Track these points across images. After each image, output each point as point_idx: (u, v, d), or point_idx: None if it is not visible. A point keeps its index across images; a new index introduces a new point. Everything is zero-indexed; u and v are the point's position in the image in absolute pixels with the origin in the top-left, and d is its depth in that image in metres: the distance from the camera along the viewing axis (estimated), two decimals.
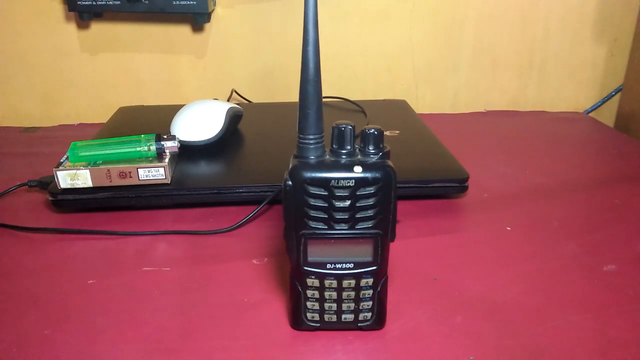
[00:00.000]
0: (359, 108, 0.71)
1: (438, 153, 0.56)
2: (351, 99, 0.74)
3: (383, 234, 0.31)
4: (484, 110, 0.83)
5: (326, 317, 0.34)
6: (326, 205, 0.30)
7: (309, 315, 0.34)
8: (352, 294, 0.33)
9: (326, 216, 0.30)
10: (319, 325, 0.34)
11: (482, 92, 0.83)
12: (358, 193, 0.30)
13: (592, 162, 0.63)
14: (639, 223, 0.48)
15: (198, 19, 0.73)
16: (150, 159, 0.50)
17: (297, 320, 0.34)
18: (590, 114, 0.83)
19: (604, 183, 0.57)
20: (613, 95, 0.83)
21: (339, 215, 0.30)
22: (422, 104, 0.83)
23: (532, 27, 0.79)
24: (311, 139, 0.30)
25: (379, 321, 0.34)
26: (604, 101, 0.83)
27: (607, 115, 0.84)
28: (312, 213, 0.30)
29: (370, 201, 0.30)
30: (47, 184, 0.51)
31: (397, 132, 0.61)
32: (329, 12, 0.77)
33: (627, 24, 0.79)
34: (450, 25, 0.79)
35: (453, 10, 0.78)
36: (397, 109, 0.73)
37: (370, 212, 0.31)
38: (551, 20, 0.79)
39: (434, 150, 0.57)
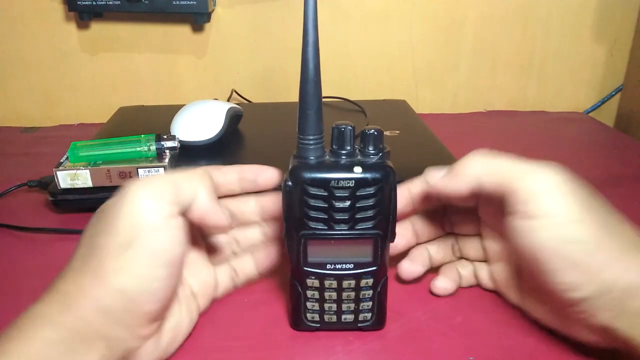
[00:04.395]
0: (359, 108, 0.71)
1: (438, 153, 0.56)
2: (351, 99, 0.74)
3: (383, 235, 0.31)
4: (484, 110, 0.83)
5: (326, 317, 0.34)
6: (326, 205, 0.30)
7: (308, 315, 0.34)
8: (352, 294, 0.33)
9: (326, 217, 0.30)
10: (319, 325, 0.34)
11: (482, 92, 0.83)
12: (358, 193, 0.30)
13: (592, 162, 0.63)
14: (639, 223, 0.48)
15: (198, 19, 0.73)
16: (150, 159, 0.50)
17: (297, 321, 0.34)
18: (590, 114, 0.83)
19: (604, 183, 0.56)
20: (613, 95, 0.83)
21: (338, 216, 0.30)
22: (422, 104, 0.83)
23: (532, 27, 0.79)
24: (311, 139, 0.30)
25: (379, 321, 0.34)
26: (604, 101, 0.83)
27: (607, 115, 0.84)
28: (312, 213, 0.30)
29: (370, 202, 0.30)
30: (47, 184, 0.51)
31: (397, 132, 0.61)
32: (329, 12, 0.77)
33: (627, 24, 0.79)
34: (450, 25, 0.79)
35: (453, 11, 0.78)
36: (397, 109, 0.73)
37: (370, 213, 0.30)
38: (551, 20, 0.79)
39: (434, 150, 0.57)
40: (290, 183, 0.30)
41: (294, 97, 0.80)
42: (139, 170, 0.48)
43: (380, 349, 0.33)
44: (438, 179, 0.33)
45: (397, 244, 0.36)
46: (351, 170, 0.30)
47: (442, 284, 0.37)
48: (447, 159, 0.55)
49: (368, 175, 0.30)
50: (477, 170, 0.32)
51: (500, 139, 0.70)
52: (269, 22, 0.77)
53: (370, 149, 0.30)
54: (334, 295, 0.33)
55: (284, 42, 0.78)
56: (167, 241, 0.28)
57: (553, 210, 0.28)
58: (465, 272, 0.38)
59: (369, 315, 0.34)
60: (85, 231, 0.30)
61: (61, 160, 0.50)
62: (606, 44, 0.81)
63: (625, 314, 0.27)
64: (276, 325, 0.35)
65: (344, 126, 0.30)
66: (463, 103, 0.83)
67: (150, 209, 0.28)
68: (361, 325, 0.34)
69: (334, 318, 0.34)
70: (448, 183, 0.33)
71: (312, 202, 0.30)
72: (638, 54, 0.77)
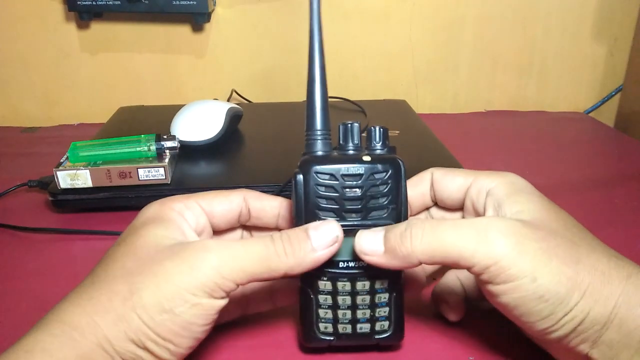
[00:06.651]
0: (359, 108, 0.71)
1: (438, 153, 0.56)
2: (351, 99, 0.74)
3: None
4: (484, 110, 0.83)
5: (340, 327, 0.31)
6: (337, 194, 0.30)
7: (321, 325, 0.31)
8: (367, 298, 0.31)
9: (337, 206, 0.30)
10: (332, 339, 0.31)
11: (482, 92, 0.83)
12: (369, 181, 0.30)
13: (592, 162, 0.63)
14: (639, 223, 0.48)
15: (198, 19, 0.73)
16: (150, 159, 0.50)
17: (309, 334, 0.32)
18: (590, 114, 0.83)
19: (604, 183, 0.56)
20: (613, 95, 0.83)
21: (350, 205, 0.30)
22: (422, 104, 0.83)
23: (532, 27, 0.79)
24: (319, 134, 0.31)
25: (398, 332, 0.32)
26: (604, 101, 0.83)
27: (607, 115, 0.84)
28: (324, 204, 0.30)
29: (381, 189, 0.30)
30: (47, 184, 0.51)
31: (397, 132, 0.61)
32: (329, 12, 0.77)
33: (627, 24, 0.79)
34: (450, 25, 0.79)
35: (453, 10, 0.78)
36: (397, 109, 0.73)
37: (381, 201, 0.30)
38: (551, 20, 0.79)
39: (434, 150, 0.57)
40: (300, 175, 0.30)
41: (294, 97, 0.79)
42: (139, 170, 0.48)
43: (381, 349, 0.33)
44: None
45: None
46: (361, 159, 0.30)
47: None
48: (447, 159, 0.55)
49: (378, 162, 0.30)
50: (423, 250, 0.28)
51: (500, 139, 0.70)
52: (269, 22, 0.77)
53: (377, 145, 0.31)
54: (348, 299, 0.31)
55: (284, 42, 0.78)
56: None
57: (517, 273, 0.27)
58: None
59: (386, 324, 0.31)
60: None
61: (61, 160, 0.50)
62: (606, 43, 0.81)
63: (600, 345, 0.27)
64: (278, 324, 0.35)
65: (350, 122, 0.31)
66: (463, 103, 0.83)
67: None
68: (379, 337, 0.31)
69: (349, 328, 0.31)
70: (396, 262, 0.29)
71: (323, 192, 0.30)
72: (638, 54, 0.77)
